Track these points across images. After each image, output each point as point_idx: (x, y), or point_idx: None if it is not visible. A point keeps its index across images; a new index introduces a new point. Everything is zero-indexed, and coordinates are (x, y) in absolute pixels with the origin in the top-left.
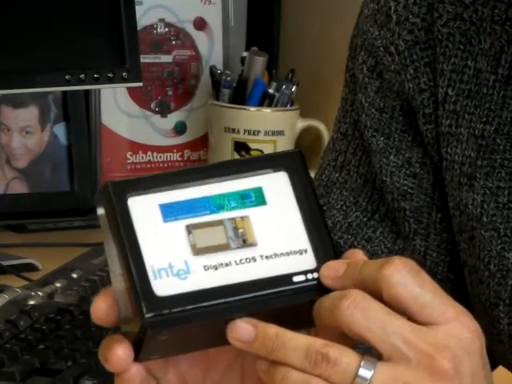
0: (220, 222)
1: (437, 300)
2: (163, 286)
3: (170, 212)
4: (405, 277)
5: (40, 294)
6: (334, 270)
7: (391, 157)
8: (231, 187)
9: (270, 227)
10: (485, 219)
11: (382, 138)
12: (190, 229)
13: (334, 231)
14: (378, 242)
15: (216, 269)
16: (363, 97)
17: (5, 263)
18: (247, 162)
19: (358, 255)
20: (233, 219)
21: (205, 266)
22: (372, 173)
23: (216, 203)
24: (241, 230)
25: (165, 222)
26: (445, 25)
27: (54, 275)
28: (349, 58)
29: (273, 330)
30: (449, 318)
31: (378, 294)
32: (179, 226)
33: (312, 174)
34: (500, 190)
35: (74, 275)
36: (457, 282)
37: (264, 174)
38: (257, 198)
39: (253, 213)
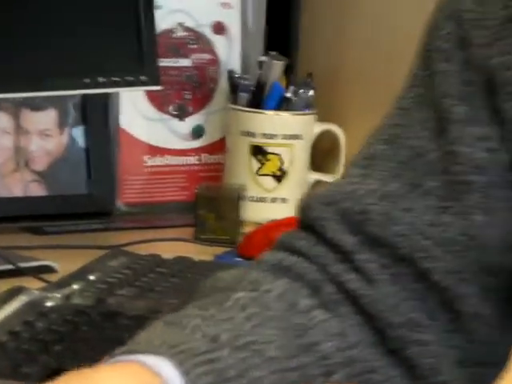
0: None
1: None
2: None
3: None
4: None
5: (57, 295)
6: None
7: (471, 128)
8: None
9: None
10: None
11: (464, 108)
12: None
13: (367, 199)
14: (419, 213)
15: None
16: (448, 66)
17: (23, 265)
18: None
19: None
20: None
21: None
22: (425, 147)
23: None
24: None
25: None
26: None
27: (71, 277)
28: (429, 31)
29: None
30: None
31: None
32: None
33: (326, 178)
34: None
35: (92, 277)
36: None
37: None
38: None
39: None
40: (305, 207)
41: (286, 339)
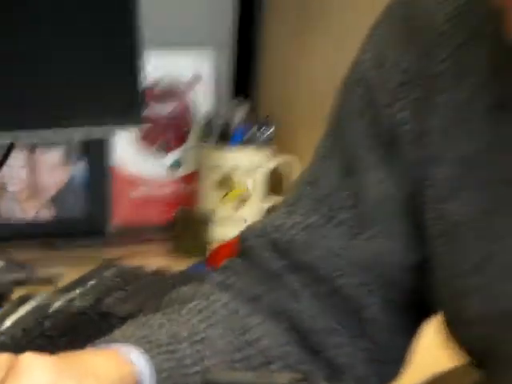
0: None
1: None
2: None
3: None
4: None
5: (62, 298)
6: None
7: (374, 172)
8: None
9: None
10: (469, 224)
11: (370, 156)
12: None
13: (292, 230)
14: (334, 239)
15: None
16: (359, 122)
17: (35, 274)
18: None
19: None
20: None
21: None
22: (338, 187)
23: None
24: None
25: None
26: (439, 64)
27: (73, 283)
28: (343, 93)
29: None
30: None
31: None
32: None
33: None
34: (483, 198)
35: (90, 283)
36: (410, 278)
37: None
38: None
39: None
40: (242, 238)
41: (231, 337)
